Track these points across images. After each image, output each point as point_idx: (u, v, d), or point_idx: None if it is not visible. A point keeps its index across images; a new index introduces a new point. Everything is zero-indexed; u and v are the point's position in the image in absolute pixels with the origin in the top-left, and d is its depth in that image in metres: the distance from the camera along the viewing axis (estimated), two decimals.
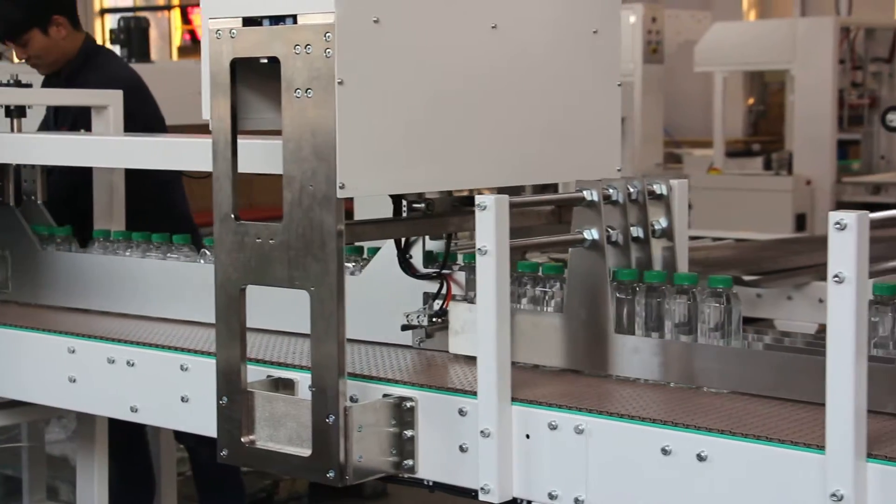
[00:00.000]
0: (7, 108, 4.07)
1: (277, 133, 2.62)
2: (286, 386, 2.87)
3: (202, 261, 3.52)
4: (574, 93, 3.04)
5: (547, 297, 2.90)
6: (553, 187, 4.35)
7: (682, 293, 2.67)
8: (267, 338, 3.22)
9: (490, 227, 2.52)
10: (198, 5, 2.86)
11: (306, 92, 2.54)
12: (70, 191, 4.46)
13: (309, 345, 2.61)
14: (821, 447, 2.19)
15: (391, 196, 2.95)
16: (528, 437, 2.56)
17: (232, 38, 2.65)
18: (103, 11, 17.70)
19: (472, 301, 2.87)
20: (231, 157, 2.69)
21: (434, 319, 2.98)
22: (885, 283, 2.50)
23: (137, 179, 4.43)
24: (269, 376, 2.90)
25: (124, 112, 4.24)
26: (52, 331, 3.45)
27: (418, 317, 3.00)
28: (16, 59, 5.30)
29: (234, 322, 2.71)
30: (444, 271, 3.00)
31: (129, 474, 5.07)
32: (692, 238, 6.15)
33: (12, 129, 4.08)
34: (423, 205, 2.94)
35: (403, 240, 3.04)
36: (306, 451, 2.63)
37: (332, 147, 2.52)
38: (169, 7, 17.40)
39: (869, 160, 10.38)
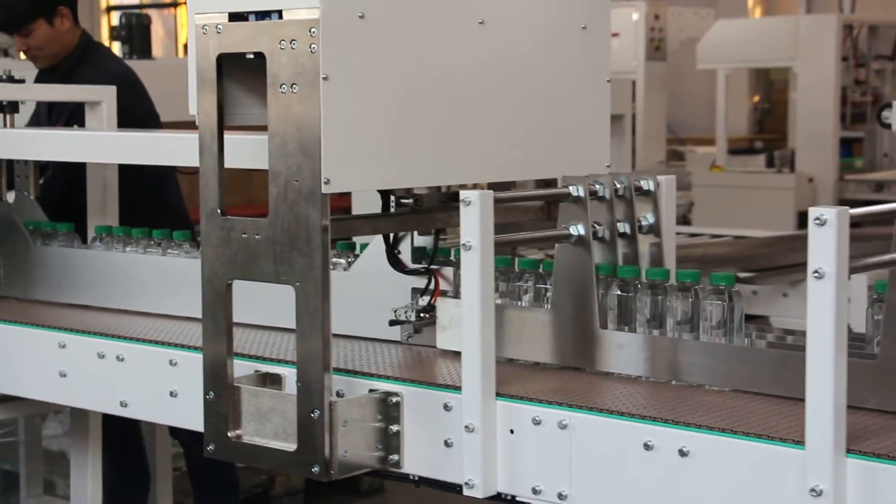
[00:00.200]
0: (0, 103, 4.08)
1: (265, 128, 2.63)
2: (274, 381, 2.87)
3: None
4: (563, 89, 3.04)
5: (545, 294, 2.90)
6: (553, 184, 4.34)
7: (685, 290, 2.65)
8: (256, 333, 3.22)
9: (474, 222, 2.53)
10: None
11: (291, 87, 2.55)
12: (65, 188, 4.47)
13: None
14: (801, 442, 2.19)
15: (379, 191, 2.95)
16: (512, 432, 2.57)
17: (218, 33, 2.65)
18: (109, 9, 17.73)
19: (459, 296, 2.87)
20: (218, 152, 2.69)
21: (422, 315, 2.99)
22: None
23: (132, 175, 4.44)
24: (256, 371, 2.91)
25: (119, 108, 4.25)
26: (43, 326, 3.46)
27: (406, 312, 3.00)
28: (22, 56, 5.31)
29: (220, 317, 2.72)
30: (431, 267, 3.01)
31: (125, 470, 5.09)
32: (692, 235, 6.17)
33: (5, 125, 4.09)
34: (410, 200, 2.94)
35: (392, 235, 3.05)
36: (292, 446, 2.63)
37: (317, 142, 2.52)
38: (175, 4, 17.43)
39: (872, 158, 10.37)
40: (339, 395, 2.75)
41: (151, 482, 5.12)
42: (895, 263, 2.35)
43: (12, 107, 4.05)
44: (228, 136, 2.72)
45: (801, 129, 9.82)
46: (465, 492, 2.58)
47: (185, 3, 2.78)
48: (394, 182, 2.78)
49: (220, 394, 2.73)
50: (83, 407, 3.79)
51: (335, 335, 2.64)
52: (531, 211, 3.10)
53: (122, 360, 3.23)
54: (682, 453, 2.33)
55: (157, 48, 10.84)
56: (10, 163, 4.05)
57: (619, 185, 2.86)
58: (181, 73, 2.91)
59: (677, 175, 10.75)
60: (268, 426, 2.70)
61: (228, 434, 2.73)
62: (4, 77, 4.12)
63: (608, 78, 3.14)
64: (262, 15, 2.61)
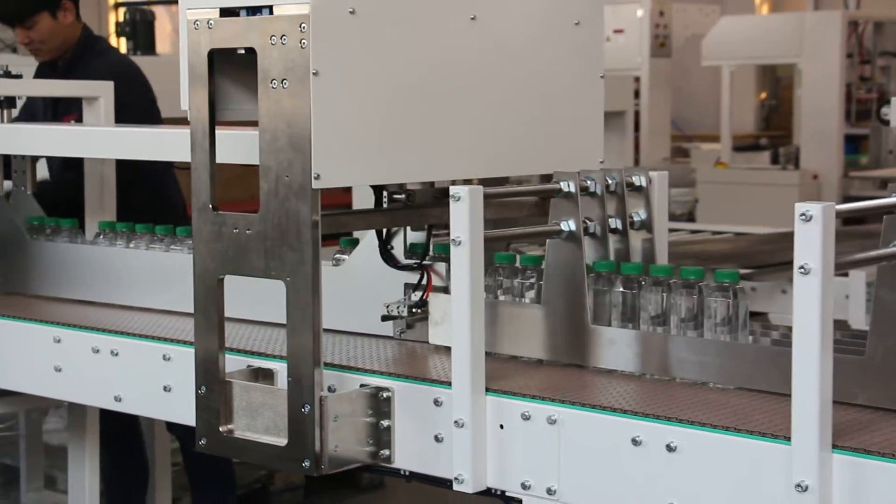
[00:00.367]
0: None
1: (257, 124, 2.63)
2: (266, 376, 2.88)
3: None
4: (555, 85, 3.04)
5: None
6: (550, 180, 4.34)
7: (689, 287, 2.64)
8: (250, 328, 3.22)
9: (464, 217, 2.52)
10: None
11: (282, 83, 2.55)
12: (76, 191, 4.43)
13: None
14: (787, 438, 2.19)
15: (372, 187, 2.96)
16: (501, 427, 2.57)
17: (209, 28, 2.66)
18: (117, 5, 17.73)
19: None
20: (209, 147, 2.70)
21: (414, 310, 2.99)
22: None
23: (131, 170, 4.45)
24: (249, 366, 2.91)
25: (123, 100, 4.27)
26: (37, 320, 3.47)
27: (398, 307, 3.00)
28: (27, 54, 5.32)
29: (212, 312, 2.72)
30: (424, 262, 3.01)
31: (124, 464, 5.10)
32: (693, 232, 6.17)
33: (2, 120, 4.10)
34: (403, 196, 2.95)
35: (385, 231, 3.05)
36: (282, 441, 2.64)
37: (308, 138, 2.53)
38: None
39: (877, 155, 10.35)
40: (330, 389, 2.76)
41: (150, 477, 5.13)
42: (882, 259, 2.35)
43: (9, 102, 4.06)
44: (220, 132, 2.72)
45: (805, 126, 9.82)
46: (455, 487, 2.59)
47: None
48: (384, 178, 2.78)
49: (212, 388, 2.73)
50: (77, 401, 3.80)
51: (329, 330, 2.64)
52: (526, 207, 3.09)
53: (117, 354, 3.24)
54: (670, 449, 2.34)
55: (165, 44, 10.82)
56: (6, 158, 4.05)
57: (610, 181, 2.86)
58: None
59: (682, 172, 10.71)
60: (259, 421, 2.71)
61: (220, 429, 2.73)
62: (1, 72, 4.13)
63: (602, 74, 3.14)
64: (253, 10, 2.61)
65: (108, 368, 3.26)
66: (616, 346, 2.70)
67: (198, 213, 2.71)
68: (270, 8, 2.58)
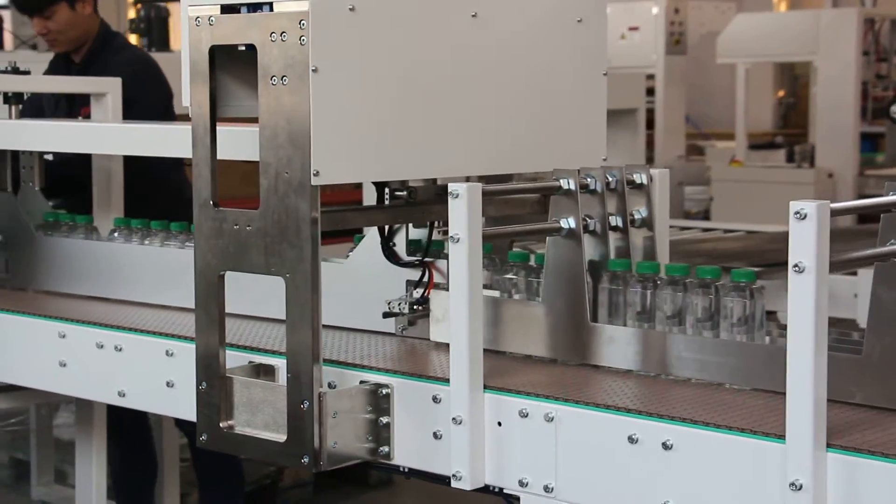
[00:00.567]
0: (5, 94, 4.10)
1: (257, 121, 2.64)
2: (267, 372, 2.89)
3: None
4: (557, 82, 3.04)
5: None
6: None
7: (705, 286, 2.63)
8: (251, 324, 3.24)
9: (462, 214, 2.53)
10: None
11: (282, 79, 2.55)
12: (79, 167, 4.44)
13: None
14: (782, 436, 2.19)
15: (374, 183, 2.96)
16: (500, 424, 2.57)
17: (210, 25, 2.67)
18: (137, 1, 17.76)
19: None
20: (210, 143, 2.70)
21: (415, 307, 3.00)
22: None
23: (143, 166, 4.45)
24: (251, 362, 2.92)
25: (140, 94, 4.28)
26: (43, 315, 3.48)
27: (400, 304, 3.01)
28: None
29: (212, 308, 2.73)
30: (426, 259, 3.01)
31: (132, 460, 5.11)
32: (705, 230, 6.16)
33: (10, 116, 4.11)
34: (405, 193, 2.95)
35: (387, 227, 3.05)
36: (282, 437, 2.64)
37: (307, 135, 2.53)
38: None
39: (894, 153, 10.31)
40: (330, 386, 2.76)
41: (159, 472, 5.15)
42: (877, 259, 2.34)
43: (17, 98, 4.07)
44: (221, 128, 2.73)
45: (821, 124, 9.78)
46: (453, 483, 2.59)
47: None
48: (384, 174, 2.79)
49: (213, 384, 2.74)
50: (83, 397, 3.82)
51: (330, 327, 2.64)
52: (529, 204, 3.09)
53: (121, 350, 3.26)
54: (666, 446, 2.34)
55: (179, 41, 10.84)
56: (15, 154, 4.07)
57: (610, 179, 2.86)
58: None
59: (697, 170, 10.66)
60: (259, 417, 2.71)
61: (220, 424, 2.74)
62: (9, 69, 4.14)
63: (604, 71, 3.13)
64: (254, 7, 2.62)
65: (112, 364, 3.28)
66: (615, 344, 2.69)
67: (199, 209, 2.72)
68: (271, 4, 2.59)
